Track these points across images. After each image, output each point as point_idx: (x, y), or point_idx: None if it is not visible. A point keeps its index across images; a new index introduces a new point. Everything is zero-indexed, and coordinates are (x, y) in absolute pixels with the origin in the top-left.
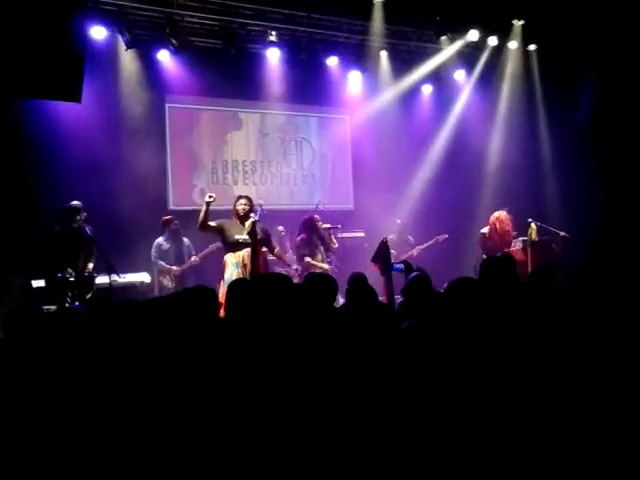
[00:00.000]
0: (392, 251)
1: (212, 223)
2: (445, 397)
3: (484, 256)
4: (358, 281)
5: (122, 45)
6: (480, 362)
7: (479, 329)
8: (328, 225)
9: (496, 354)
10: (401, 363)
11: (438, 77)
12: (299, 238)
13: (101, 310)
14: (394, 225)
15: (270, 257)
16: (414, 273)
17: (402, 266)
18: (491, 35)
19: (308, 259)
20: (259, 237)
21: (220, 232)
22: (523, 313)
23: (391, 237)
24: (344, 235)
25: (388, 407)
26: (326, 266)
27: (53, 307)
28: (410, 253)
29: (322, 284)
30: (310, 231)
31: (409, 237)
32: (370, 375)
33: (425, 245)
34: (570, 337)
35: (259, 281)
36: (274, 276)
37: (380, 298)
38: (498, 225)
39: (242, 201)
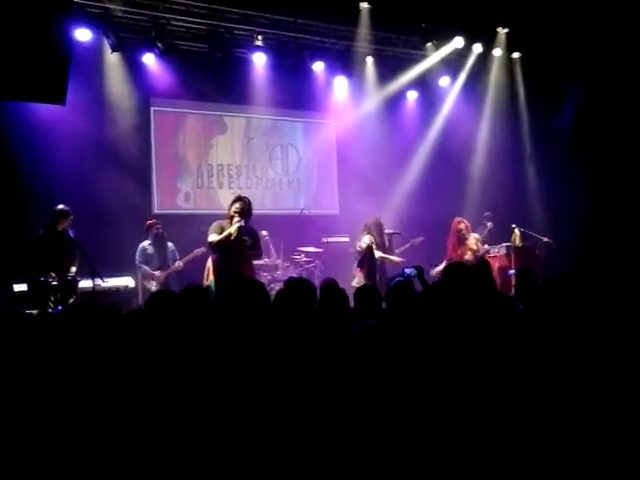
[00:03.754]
0: None
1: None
2: (398, 400)
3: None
4: (329, 288)
5: (107, 48)
6: (438, 365)
7: (442, 332)
8: (390, 231)
9: (455, 359)
10: (354, 365)
11: (423, 83)
12: (368, 236)
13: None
14: None
15: (257, 261)
16: (396, 279)
17: (414, 270)
18: (476, 42)
19: (380, 253)
20: (247, 242)
21: None
22: (489, 320)
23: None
24: (329, 240)
25: (339, 410)
26: (397, 259)
27: (35, 311)
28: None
29: (301, 288)
30: (378, 232)
31: (386, 242)
32: (323, 377)
33: (401, 249)
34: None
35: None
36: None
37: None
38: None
39: (236, 205)
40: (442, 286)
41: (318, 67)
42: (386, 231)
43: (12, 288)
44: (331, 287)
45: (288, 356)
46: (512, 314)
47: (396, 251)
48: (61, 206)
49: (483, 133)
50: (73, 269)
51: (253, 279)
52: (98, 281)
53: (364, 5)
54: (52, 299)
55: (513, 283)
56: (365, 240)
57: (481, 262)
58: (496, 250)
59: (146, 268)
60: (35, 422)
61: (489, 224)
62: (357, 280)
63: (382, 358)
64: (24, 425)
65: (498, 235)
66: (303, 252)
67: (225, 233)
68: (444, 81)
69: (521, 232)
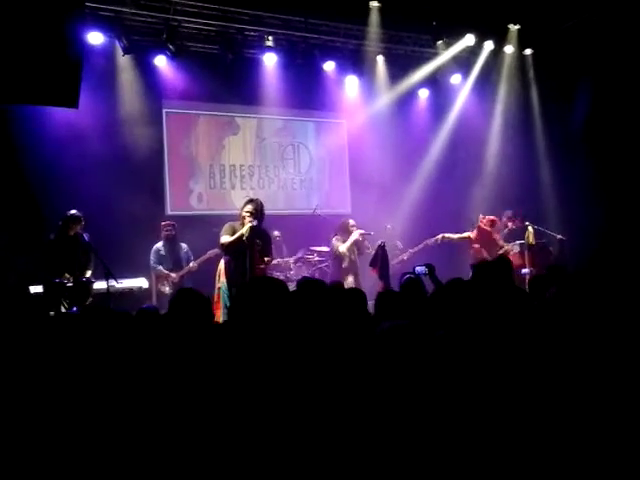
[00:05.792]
0: None
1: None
2: (427, 401)
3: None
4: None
5: (119, 51)
6: (466, 365)
7: (467, 331)
8: (362, 231)
9: (483, 357)
10: (381, 365)
11: (434, 81)
12: (334, 238)
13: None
14: (384, 230)
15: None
16: (407, 276)
17: (425, 269)
18: (487, 39)
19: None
20: (259, 245)
21: None
22: (514, 317)
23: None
24: None
25: (369, 411)
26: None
27: (50, 313)
28: (400, 258)
29: (313, 289)
30: (345, 234)
31: (398, 242)
32: (350, 377)
33: (415, 249)
34: (562, 342)
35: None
36: (269, 280)
37: None
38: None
39: (248, 207)
40: (459, 284)
41: (329, 67)
42: (358, 231)
43: (28, 290)
44: (337, 290)
45: (309, 356)
46: (529, 310)
47: (410, 251)
48: (73, 211)
49: (495, 130)
50: (88, 273)
51: (272, 278)
52: (112, 282)
53: (374, 4)
54: (67, 300)
55: (527, 281)
56: (333, 243)
57: (501, 259)
58: (509, 247)
59: (161, 268)
60: (43, 422)
61: (510, 224)
62: (348, 281)
63: (412, 358)
64: (32, 425)
65: (512, 232)
66: (316, 251)
67: (237, 234)
68: (455, 79)
69: (535, 229)
